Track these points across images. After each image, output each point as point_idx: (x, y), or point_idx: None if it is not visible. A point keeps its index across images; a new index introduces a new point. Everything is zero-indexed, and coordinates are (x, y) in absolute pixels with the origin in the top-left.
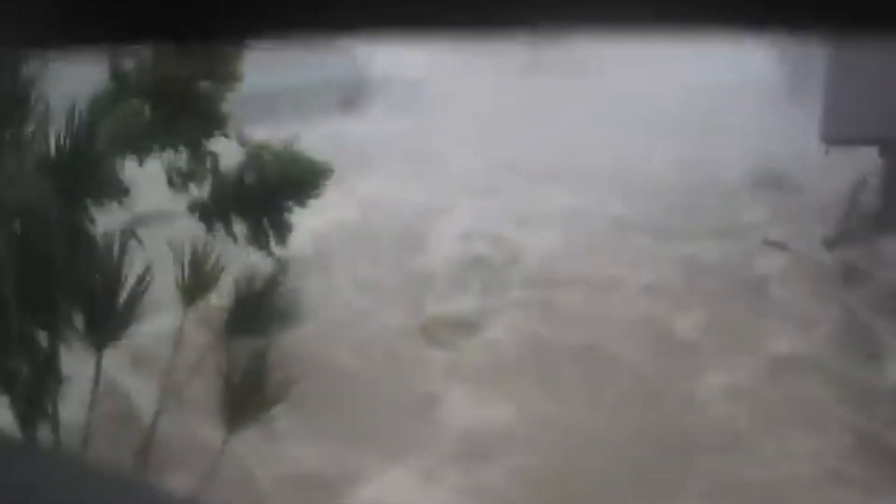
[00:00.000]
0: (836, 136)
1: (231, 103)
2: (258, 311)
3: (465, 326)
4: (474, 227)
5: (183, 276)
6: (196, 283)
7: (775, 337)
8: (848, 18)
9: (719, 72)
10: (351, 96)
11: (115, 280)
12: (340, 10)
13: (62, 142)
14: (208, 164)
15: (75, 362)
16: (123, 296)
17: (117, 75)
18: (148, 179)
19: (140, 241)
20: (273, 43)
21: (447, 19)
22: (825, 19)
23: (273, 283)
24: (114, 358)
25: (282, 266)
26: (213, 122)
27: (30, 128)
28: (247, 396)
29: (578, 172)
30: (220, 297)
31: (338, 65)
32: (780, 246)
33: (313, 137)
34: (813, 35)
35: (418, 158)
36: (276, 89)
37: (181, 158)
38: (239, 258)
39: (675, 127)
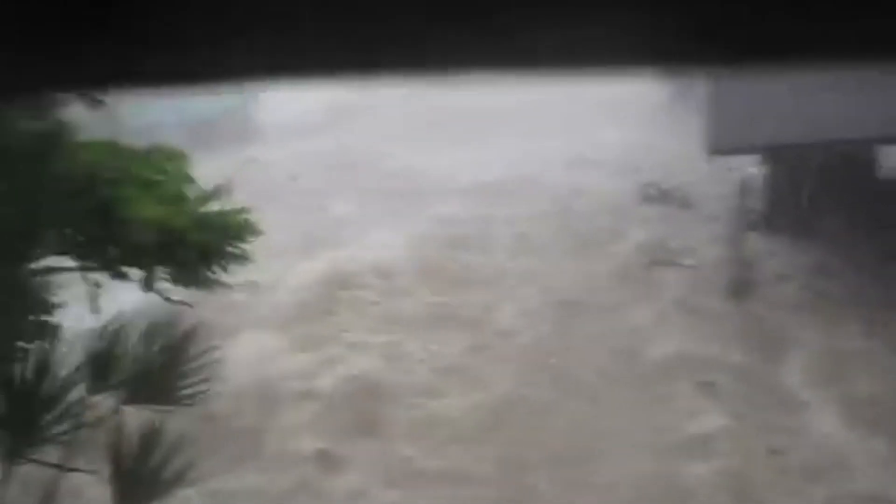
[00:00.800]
0: (720, 145)
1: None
2: (162, 378)
3: None
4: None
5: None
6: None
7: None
8: (737, 53)
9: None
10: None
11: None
12: (249, 57)
13: None
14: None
15: None
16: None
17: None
18: None
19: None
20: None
21: (355, 63)
22: (713, 55)
23: (178, 347)
24: None
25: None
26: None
27: None
28: (138, 481)
29: (460, 187)
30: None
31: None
32: (668, 264)
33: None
34: (702, 69)
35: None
36: (170, 122)
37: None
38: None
39: (554, 143)
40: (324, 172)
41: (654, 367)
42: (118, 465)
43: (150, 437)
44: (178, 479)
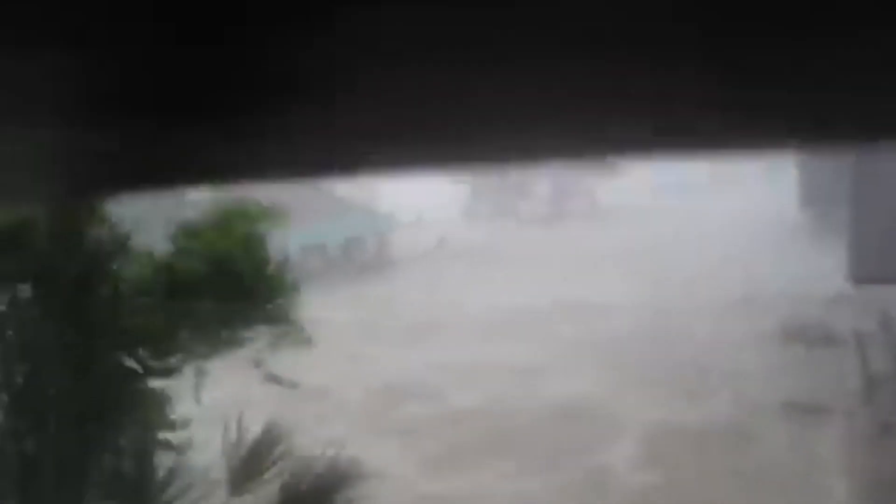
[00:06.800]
0: (865, 274)
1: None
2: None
3: None
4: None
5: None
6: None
7: None
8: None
9: (738, 208)
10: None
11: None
12: (327, 152)
13: None
14: None
15: None
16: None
17: None
18: None
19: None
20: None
21: (454, 153)
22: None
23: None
24: None
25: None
26: None
27: None
28: None
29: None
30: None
31: (354, 217)
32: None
33: None
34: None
35: None
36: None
37: None
38: None
39: (698, 276)
40: None
41: None
42: None
43: None
44: None
